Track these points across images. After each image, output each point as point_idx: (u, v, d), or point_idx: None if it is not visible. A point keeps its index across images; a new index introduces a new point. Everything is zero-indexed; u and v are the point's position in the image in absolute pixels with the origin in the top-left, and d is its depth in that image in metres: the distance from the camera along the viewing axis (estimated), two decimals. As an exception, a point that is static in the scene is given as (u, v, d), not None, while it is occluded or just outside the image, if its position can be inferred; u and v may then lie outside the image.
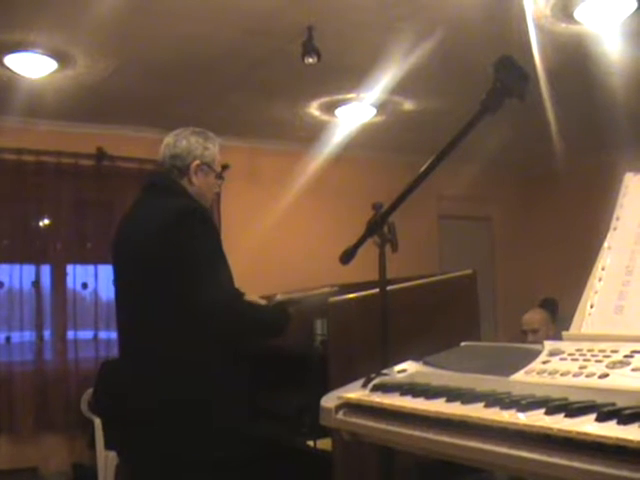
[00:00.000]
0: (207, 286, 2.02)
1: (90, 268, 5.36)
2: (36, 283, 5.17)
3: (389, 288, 1.78)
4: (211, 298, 2.03)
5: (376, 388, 1.46)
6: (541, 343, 1.42)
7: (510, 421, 1.06)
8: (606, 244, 1.48)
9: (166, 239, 2.07)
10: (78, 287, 5.33)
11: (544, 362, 1.32)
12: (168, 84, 4.65)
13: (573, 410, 1.04)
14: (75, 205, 5.31)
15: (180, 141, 2.26)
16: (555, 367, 1.28)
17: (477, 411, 1.15)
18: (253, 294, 2.26)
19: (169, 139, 2.29)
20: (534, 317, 3.85)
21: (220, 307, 2.05)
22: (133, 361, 2.20)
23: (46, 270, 5.24)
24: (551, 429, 0.99)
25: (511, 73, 1.49)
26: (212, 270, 2.06)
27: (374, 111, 5.26)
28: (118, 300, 2.29)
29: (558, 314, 6.07)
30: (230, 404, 2.10)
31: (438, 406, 1.23)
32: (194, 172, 2.25)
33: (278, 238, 5.94)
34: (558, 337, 1.43)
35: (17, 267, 5.11)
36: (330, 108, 5.21)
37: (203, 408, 2.04)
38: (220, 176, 2.33)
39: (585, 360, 1.26)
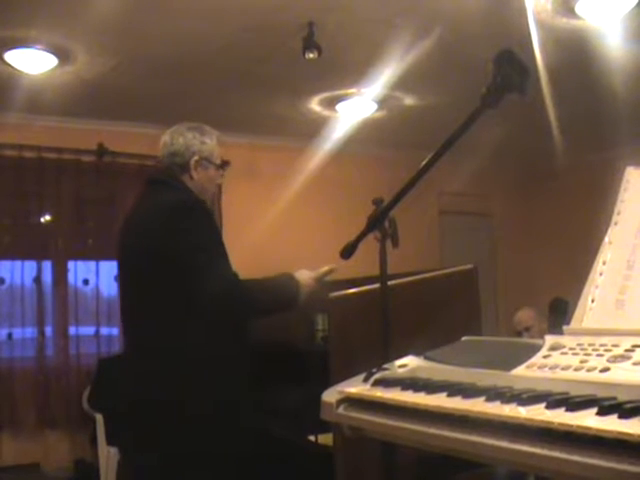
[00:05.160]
0: (204, 277, 2.02)
1: (91, 264, 5.36)
2: (37, 279, 5.18)
3: (390, 283, 1.78)
4: (209, 288, 2.03)
5: (377, 383, 1.46)
6: (541, 338, 1.42)
7: (511, 415, 1.06)
8: (607, 239, 1.47)
9: (160, 234, 2.08)
10: (79, 283, 5.34)
11: (545, 356, 1.32)
12: (168, 80, 4.65)
13: (574, 404, 1.04)
14: (76, 201, 5.32)
15: (177, 138, 2.27)
16: (556, 361, 1.28)
17: (478, 405, 1.15)
18: (302, 269, 2.24)
19: (166, 137, 2.30)
20: (524, 315, 3.85)
21: (219, 295, 2.04)
22: (133, 357, 2.20)
23: (47, 266, 5.25)
24: (552, 423, 0.99)
25: (512, 67, 1.48)
26: (207, 260, 2.05)
27: (375, 106, 5.25)
28: (120, 295, 2.30)
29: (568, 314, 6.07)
30: (234, 400, 2.10)
31: (439, 401, 1.23)
32: (194, 167, 2.26)
33: (278, 234, 5.94)
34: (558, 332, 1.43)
35: (18, 263, 5.12)
36: (331, 103, 5.21)
37: (205, 405, 2.04)
38: (220, 167, 2.34)
39: (586, 354, 1.26)
